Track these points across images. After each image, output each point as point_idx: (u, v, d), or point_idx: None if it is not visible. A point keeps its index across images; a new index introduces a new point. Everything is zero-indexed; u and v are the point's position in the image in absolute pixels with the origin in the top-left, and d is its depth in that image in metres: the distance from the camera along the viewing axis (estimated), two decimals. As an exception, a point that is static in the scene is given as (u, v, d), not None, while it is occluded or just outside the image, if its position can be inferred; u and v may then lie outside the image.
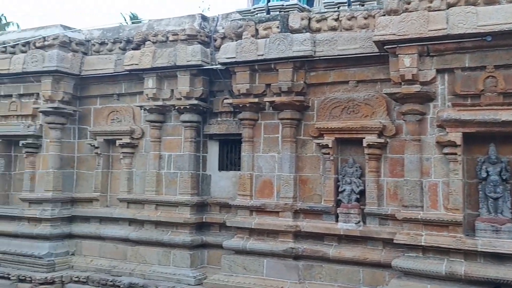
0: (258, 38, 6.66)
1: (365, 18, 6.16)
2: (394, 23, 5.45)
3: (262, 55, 6.50)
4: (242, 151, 6.87)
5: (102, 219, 7.95)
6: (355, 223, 6.08)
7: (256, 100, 6.69)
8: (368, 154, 6.08)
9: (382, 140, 6.01)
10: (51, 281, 7.24)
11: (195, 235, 7.19)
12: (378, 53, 5.89)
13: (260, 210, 6.62)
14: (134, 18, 22.38)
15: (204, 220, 7.33)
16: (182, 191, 7.28)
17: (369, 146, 6.02)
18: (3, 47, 8.37)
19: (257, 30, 6.72)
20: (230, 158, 7.51)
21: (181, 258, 7.08)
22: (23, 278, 7.29)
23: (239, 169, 7.06)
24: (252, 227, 6.57)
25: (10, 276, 7.37)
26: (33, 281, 7.20)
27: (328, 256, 6.15)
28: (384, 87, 5.93)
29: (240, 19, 7.01)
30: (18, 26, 29.67)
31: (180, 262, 7.08)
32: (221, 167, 7.55)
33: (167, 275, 7.00)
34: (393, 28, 5.44)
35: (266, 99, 6.67)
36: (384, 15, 5.64)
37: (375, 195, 6.05)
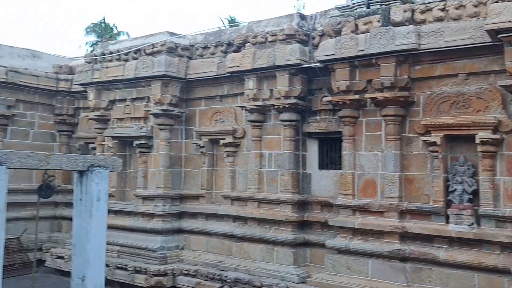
0: (358, 34, 6.50)
1: (475, 6, 5.74)
2: (510, 9, 5.01)
3: (363, 50, 6.34)
4: (343, 150, 6.77)
5: (208, 215, 8.31)
6: (468, 225, 5.71)
7: (356, 97, 6.55)
8: (482, 151, 5.68)
9: (497, 136, 5.58)
10: (164, 273, 7.73)
11: (297, 233, 7.24)
12: (491, 43, 5.47)
13: (363, 209, 6.48)
14: (232, 21, 23.03)
15: (305, 219, 7.35)
16: (283, 189, 7.36)
17: (483, 143, 5.62)
18: (117, 55, 9.07)
19: (356, 25, 6.57)
20: (330, 156, 7.44)
21: (284, 256, 7.18)
22: (139, 269, 7.87)
23: (339, 168, 6.97)
24: (355, 226, 6.46)
25: (127, 267, 8.00)
26: (147, 273, 7.74)
27: (438, 259, 5.85)
28: (499, 79, 5.49)
29: (338, 16, 6.89)
30: (128, 34, 31.99)
31: (283, 260, 7.18)
32: (321, 166, 7.51)
33: (270, 272, 7.13)
34: (509, 15, 5.00)
35: (367, 95, 6.50)
36: (497, 2, 5.21)
37: (491, 195, 5.64)
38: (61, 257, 9.02)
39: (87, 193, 5.26)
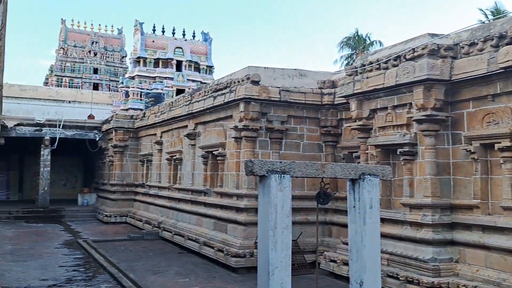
0: None
1: None
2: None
3: None
4: None
5: (485, 228, 7.55)
6: None
7: None
8: None
9: None
10: (438, 286, 7.36)
11: None
12: None
13: None
14: (497, 11, 20.66)
15: None
16: None
17: None
18: (377, 64, 9.19)
19: None
20: None
21: None
22: (411, 279, 7.69)
23: None
24: None
25: (398, 276, 7.92)
26: (420, 284, 7.50)
27: None
28: None
29: None
30: (381, 44, 32.16)
31: None
32: None
33: None
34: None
35: None
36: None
37: None
38: (334, 261, 9.55)
39: (360, 200, 5.44)
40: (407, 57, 8.45)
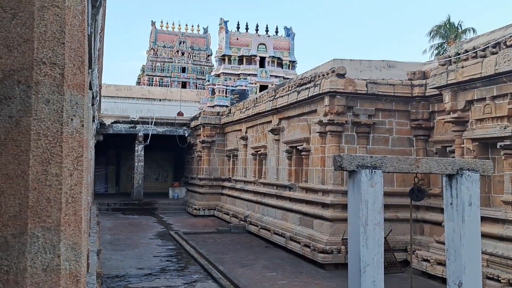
0: None
1: None
2: None
3: None
4: None
5: None
6: None
7: None
8: None
9: None
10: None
11: None
12: None
13: None
14: None
15: None
16: None
17: None
18: (473, 52, 8.60)
19: None
20: None
21: None
22: (513, 282, 7.15)
23: None
24: None
25: (499, 278, 7.39)
26: (525, 288, 6.95)
27: None
28: None
29: None
30: (474, 31, 30.14)
31: None
32: None
33: None
34: None
35: None
36: None
37: None
38: (427, 260, 9.13)
39: (458, 197, 5.13)
40: (508, 43, 7.82)
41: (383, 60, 11.81)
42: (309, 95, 11.78)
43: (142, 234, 14.82)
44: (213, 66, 39.48)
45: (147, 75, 39.83)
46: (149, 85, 38.67)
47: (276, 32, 33.66)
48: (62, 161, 1.67)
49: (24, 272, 1.53)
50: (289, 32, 33.79)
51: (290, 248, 11.85)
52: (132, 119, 22.42)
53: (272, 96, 14.72)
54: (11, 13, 1.60)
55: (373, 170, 4.97)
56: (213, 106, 28.79)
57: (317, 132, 11.38)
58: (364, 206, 4.92)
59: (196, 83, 40.15)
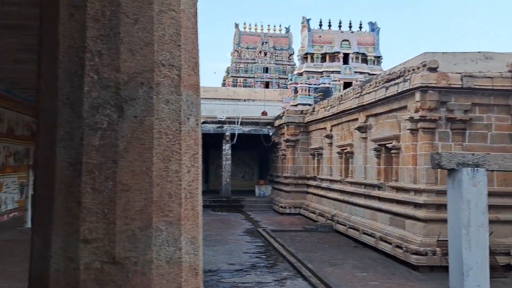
0: None
1: None
2: None
3: None
4: None
5: None
6: None
7: None
8: None
9: None
10: None
11: None
12: None
13: None
14: None
15: None
16: None
17: None
18: None
19: None
20: None
21: None
22: None
23: None
24: None
25: None
26: None
27: None
28: None
29: None
30: None
31: None
32: None
33: None
34: None
35: None
36: None
37: None
38: (533, 266, 8.45)
39: None
40: None
41: (479, 52, 11.08)
42: (398, 91, 11.37)
43: (232, 231, 15.20)
44: (295, 65, 39.47)
45: (231, 76, 40.76)
46: (234, 86, 39.54)
47: (360, 27, 32.90)
48: (181, 158, 1.75)
49: (150, 264, 1.61)
50: (373, 27, 32.88)
51: (380, 249, 11.52)
52: (219, 119, 23.09)
53: (358, 93, 14.40)
54: (133, 19, 1.70)
55: (475, 169, 4.70)
56: (296, 105, 28.77)
57: (408, 129, 10.96)
58: (466, 206, 4.68)
59: (279, 82, 40.38)
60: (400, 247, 10.46)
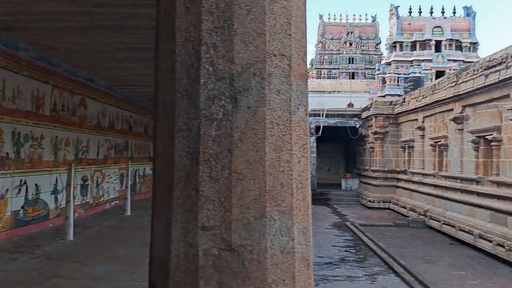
0: None
1: None
2: None
3: None
4: None
5: None
6: None
7: None
8: None
9: None
10: None
11: None
12: None
13: None
14: None
15: None
16: None
17: None
18: None
19: None
20: None
21: None
22: None
23: None
24: None
25: None
26: None
27: None
28: None
29: None
30: None
31: None
32: None
33: None
34: None
35: None
36: None
37: None
38: None
39: None
40: None
41: None
42: (500, 79, 10.58)
43: (319, 224, 15.09)
44: (382, 54, 38.19)
45: (315, 68, 40.38)
46: (318, 78, 39.14)
47: (454, 12, 31.06)
48: (291, 148, 1.74)
49: (265, 253, 1.63)
50: (469, 12, 30.87)
51: (479, 247, 10.84)
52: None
53: (453, 82, 13.60)
54: (246, 9, 1.71)
55: None
56: (384, 96, 27.85)
57: (511, 120, 10.16)
58: None
59: (365, 73, 39.30)
60: (502, 246, 9.76)
